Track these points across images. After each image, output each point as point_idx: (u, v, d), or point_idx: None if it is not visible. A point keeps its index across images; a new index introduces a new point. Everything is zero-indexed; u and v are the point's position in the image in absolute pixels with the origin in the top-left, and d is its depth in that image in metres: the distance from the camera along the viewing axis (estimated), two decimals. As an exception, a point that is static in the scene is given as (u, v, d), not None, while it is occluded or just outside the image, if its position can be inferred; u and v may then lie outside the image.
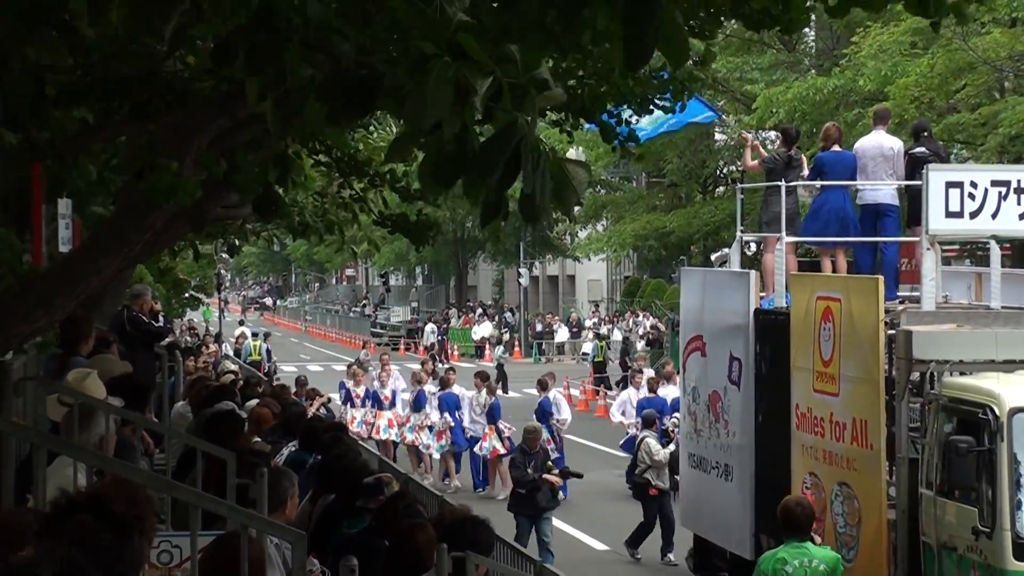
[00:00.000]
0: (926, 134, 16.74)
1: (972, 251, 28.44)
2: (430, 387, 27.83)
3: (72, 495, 4.39)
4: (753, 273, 16.63)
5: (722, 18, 7.50)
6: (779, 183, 16.43)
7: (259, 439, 12.24)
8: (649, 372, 32.36)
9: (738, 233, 18.09)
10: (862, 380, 13.69)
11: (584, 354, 53.95)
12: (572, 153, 26.96)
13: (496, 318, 67.72)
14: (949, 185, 14.39)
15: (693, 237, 45.52)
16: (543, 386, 26.23)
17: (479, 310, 71.86)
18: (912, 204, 15.87)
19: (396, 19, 4.76)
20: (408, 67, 4.33)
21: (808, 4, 6.59)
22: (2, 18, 6.53)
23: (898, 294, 15.77)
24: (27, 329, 7.65)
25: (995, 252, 15.06)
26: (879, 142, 16.26)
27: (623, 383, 44.27)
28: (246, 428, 12.05)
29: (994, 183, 14.48)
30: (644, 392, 25.68)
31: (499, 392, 38.45)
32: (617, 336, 50.38)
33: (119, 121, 7.71)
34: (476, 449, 26.50)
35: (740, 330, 16.32)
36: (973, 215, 14.42)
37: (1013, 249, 26.77)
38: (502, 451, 25.63)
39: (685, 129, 28.87)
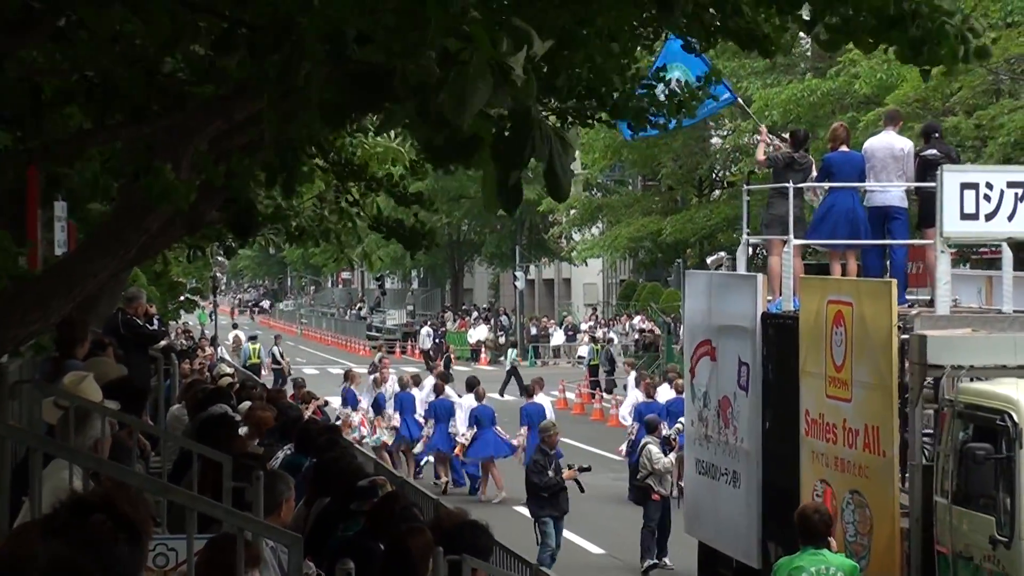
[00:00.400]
0: (937, 135, 16.46)
1: (968, 255, 28.29)
2: (391, 388, 28.10)
3: (83, 495, 4.37)
4: (760, 276, 16.36)
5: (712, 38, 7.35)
6: (784, 185, 16.18)
7: (259, 441, 12.21)
8: (633, 375, 32.39)
9: (744, 236, 17.82)
10: (875, 386, 13.42)
11: (580, 358, 53.87)
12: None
13: (492, 321, 67.55)
14: (964, 186, 14.14)
15: (689, 241, 45.36)
16: (530, 392, 26.91)
17: (475, 313, 71.73)
18: (924, 206, 15.59)
19: (406, 8, 4.68)
20: (426, 62, 4.41)
21: (797, 36, 6.52)
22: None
23: (907, 297, 15.54)
24: (23, 332, 7.61)
25: (1007, 255, 14.82)
26: (889, 142, 15.99)
27: (610, 386, 44.26)
28: (247, 431, 12.05)
29: (1010, 184, 14.25)
30: (642, 396, 25.61)
31: (509, 397, 38.61)
32: (613, 339, 50.22)
33: (115, 125, 7.57)
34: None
35: (747, 334, 16.06)
36: (989, 217, 14.18)
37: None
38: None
39: (681, 128, 28.66)
